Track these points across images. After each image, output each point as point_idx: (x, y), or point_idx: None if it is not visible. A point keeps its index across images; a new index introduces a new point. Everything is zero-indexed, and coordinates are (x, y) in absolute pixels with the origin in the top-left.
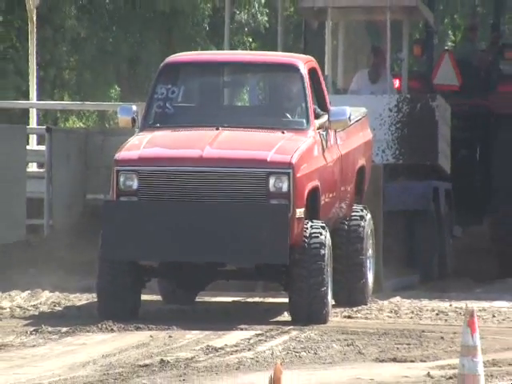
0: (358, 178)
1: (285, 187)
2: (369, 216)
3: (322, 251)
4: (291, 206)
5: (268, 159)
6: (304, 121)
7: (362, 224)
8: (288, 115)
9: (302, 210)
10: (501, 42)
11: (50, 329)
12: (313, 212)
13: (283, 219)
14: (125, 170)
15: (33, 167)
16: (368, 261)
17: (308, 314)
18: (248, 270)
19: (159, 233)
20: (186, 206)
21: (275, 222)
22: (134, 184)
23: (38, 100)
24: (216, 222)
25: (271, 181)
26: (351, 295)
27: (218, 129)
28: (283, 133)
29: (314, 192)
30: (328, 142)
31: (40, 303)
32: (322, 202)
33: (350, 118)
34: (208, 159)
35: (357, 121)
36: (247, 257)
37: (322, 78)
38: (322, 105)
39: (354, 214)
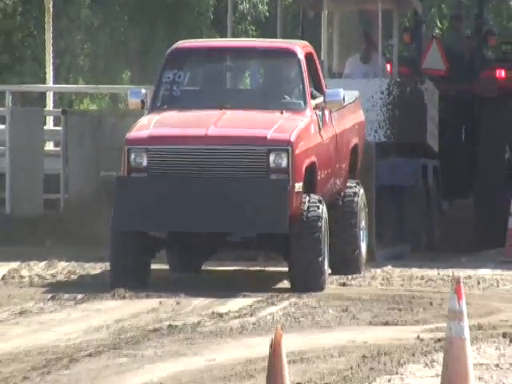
0: (351, 156)
1: (284, 163)
2: (362, 191)
3: (319, 223)
4: (290, 180)
5: (268, 137)
6: (301, 102)
7: (356, 200)
8: (286, 97)
9: (301, 184)
10: (484, 30)
11: (66, 296)
12: (310, 186)
13: (283, 192)
14: (135, 149)
15: (50, 146)
16: (361, 233)
17: (306, 282)
18: (250, 240)
19: (167, 206)
20: (192, 181)
21: (276, 195)
22: (144, 161)
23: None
24: (220, 195)
25: (271, 157)
26: (346, 265)
27: (221, 110)
28: (282, 113)
29: (312, 167)
30: (324, 121)
31: (57, 272)
32: (319, 178)
33: (344, 98)
34: (212, 137)
35: (350, 103)
36: (249, 227)
37: (317, 63)
38: (318, 87)
39: (348, 190)
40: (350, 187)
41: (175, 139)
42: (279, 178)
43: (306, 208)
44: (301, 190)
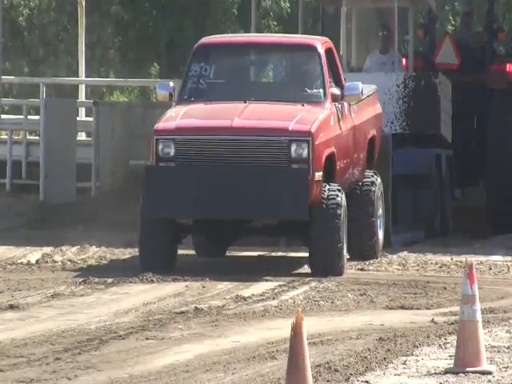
0: (369, 146)
1: (305, 153)
2: (379, 180)
3: (339, 211)
4: (310, 169)
5: (290, 128)
6: (321, 94)
7: (373, 189)
8: (307, 90)
9: (320, 173)
10: (494, 26)
11: (96, 280)
12: (330, 176)
13: (304, 181)
14: (163, 139)
15: (82, 136)
16: (378, 220)
17: (326, 267)
18: (272, 226)
19: (194, 194)
20: (217, 170)
21: (297, 183)
22: (172, 151)
23: (86, 77)
24: (244, 184)
25: (293, 147)
26: (364, 251)
27: (245, 102)
28: (303, 105)
29: (331, 158)
30: (343, 113)
31: (88, 257)
32: (338, 167)
33: (362, 92)
34: (237, 128)
35: (368, 96)
36: (272, 214)
37: (337, 57)
38: (337, 80)
39: (365, 180)
40: (368, 177)
41: (201, 130)
42: (300, 167)
43: (325, 196)
44: (321, 178)
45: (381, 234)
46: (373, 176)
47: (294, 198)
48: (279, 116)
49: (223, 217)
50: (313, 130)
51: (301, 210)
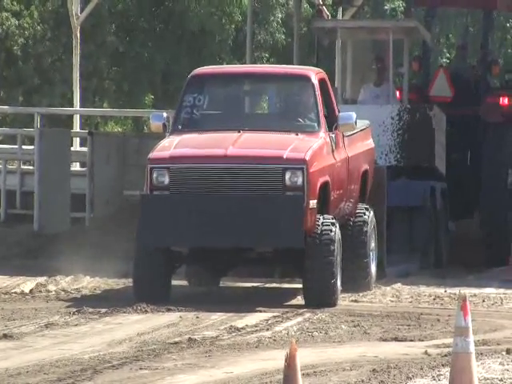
0: (362, 180)
1: (299, 181)
2: (371, 215)
3: (332, 247)
4: (305, 197)
5: (284, 156)
6: (315, 124)
7: (365, 229)
8: (301, 119)
9: (315, 201)
10: (489, 59)
11: (90, 310)
12: (323, 206)
13: (298, 209)
14: (157, 168)
15: (76, 166)
16: (371, 253)
17: (319, 299)
18: (267, 256)
19: (189, 222)
20: (212, 198)
21: (291, 211)
22: (166, 180)
23: (80, 107)
24: (239, 212)
25: (287, 175)
26: (357, 283)
27: (239, 132)
28: (297, 134)
29: (325, 186)
30: (337, 144)
31: (82, 287)
32: (332, 197)
33: (356, 122)
34: (231, 157)
35: (361, 130)
36: (267, 241)
37: (330, 88)
38: (331, 110)
39: (357, 218)
40: (360, 214)
41: (195, 158)
42: (295, 194)
43: (319, 231)
44: (315, 206)
45: (374, 268)
46: (365, 213)
47: (289, 226)
48: (273, 145)
49: (218, 245)
50: (307, 158)
51: (296, 237)
